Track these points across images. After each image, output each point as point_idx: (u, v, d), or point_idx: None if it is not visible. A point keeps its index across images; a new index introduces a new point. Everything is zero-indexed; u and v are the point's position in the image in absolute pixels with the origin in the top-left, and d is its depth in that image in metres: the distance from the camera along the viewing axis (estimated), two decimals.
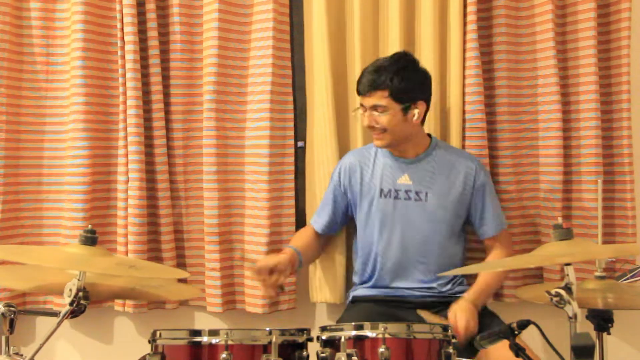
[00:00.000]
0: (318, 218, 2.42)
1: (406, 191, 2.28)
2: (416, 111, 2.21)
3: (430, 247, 2.27)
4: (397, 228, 2.27)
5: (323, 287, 2.54)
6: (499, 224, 2.33)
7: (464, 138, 2.49)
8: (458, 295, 2.25)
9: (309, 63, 2.54)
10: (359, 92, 2.24)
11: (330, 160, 2.48)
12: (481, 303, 2.19)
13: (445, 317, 2.17)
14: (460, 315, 2.06)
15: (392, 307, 2.27)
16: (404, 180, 2.29)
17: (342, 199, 2.38)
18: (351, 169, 2.36)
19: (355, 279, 2.41)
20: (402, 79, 2.18)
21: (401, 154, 2.30)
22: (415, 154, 2.30)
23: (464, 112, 2.48)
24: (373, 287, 2.33)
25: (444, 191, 2.27)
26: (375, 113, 2.20)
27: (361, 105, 2.24)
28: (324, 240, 2.47)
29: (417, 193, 2.27)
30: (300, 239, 2.40)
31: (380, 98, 2.18)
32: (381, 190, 2.29)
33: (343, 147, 2.51)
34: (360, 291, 2.36)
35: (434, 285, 2.27)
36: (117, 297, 2.42)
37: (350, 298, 2.40)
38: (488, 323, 2.12)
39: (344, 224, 2.46)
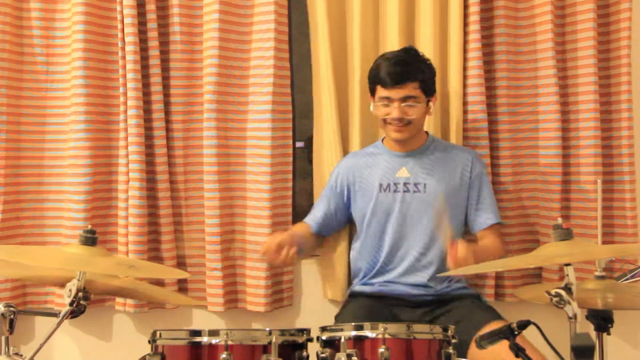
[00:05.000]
0: (312, 215, 2.44)
1: (405, 184, 2.29)
2: (432, 104, 2.27)
3: (429, 238, 2.26)
4: (397, 220, 2.28)
5: (325, 285, 2.55)
6: (495, 216, 2.32)
7: (464, 138, 2.50)
8: (455, 292, 2.26)
9: (315, 64, 2.53)
10: (384, 84, 2.21)
11: (336, 160, 2.48)
12: (478, 258, 2.10)
13: (440, 315, 2.20)
14: (462, 246, 2.00)
15: (390, 305, 2.27)
16: (402, 173, 2.30)
17: (335, 201, 2.40)
18: (349, 170, 2.37)
19: (355, 273, 2.40)
20: (429, 71, 2.26)
21: (402, 148, 2.31)
22: (413, 148, 2.32)
23: (464, 112, 2.49)
24: (372, 281, 2.32)
25: (442, 182, 2.28)
26: (404, 105, 2.20)
27: (384, 98, 2.22)
28: (317, 240, 2.47)
29: (415, 185, 2.28)
30: (299, 228, 2.40)
31: (412, 89, 2.20)
32: (380, 185, 2.30)
33: (344, 147, 2.52)
34: (358, 287, 2.36)
35: (431, 284, 2.26)
36: (113, 295, 2.43)
37: (348, 292, 2.41)
38: (486, 317, 2.12)
39: (335, 226, 2.46)
